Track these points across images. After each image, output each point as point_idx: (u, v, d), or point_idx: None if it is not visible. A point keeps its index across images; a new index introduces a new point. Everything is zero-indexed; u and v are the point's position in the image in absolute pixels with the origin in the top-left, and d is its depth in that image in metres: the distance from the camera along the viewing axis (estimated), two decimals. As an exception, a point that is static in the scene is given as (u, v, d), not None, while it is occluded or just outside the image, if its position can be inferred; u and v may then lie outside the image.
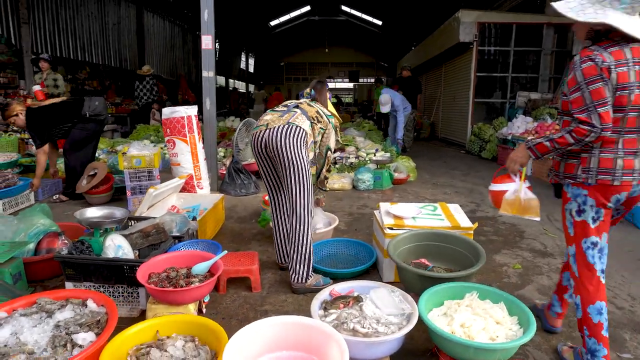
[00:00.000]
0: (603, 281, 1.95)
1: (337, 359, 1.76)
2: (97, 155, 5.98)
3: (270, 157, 2.77)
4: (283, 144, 2.62)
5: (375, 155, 6.46)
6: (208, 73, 4.96)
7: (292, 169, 2.65)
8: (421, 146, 11.20)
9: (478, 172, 7.30)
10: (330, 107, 3.15)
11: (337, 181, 5.73)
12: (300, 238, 2.72)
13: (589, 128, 1.76)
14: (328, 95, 3.16)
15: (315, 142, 2.95)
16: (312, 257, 2.76)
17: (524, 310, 2.06)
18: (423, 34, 15.32)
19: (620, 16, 1.78)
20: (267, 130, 2.70)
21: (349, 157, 6.47)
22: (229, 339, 1.80)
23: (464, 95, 10.72)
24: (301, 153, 2.66)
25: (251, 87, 30.81)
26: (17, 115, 4.55)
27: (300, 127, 2.70)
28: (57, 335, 1.77)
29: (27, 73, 10.78)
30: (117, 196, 4.84)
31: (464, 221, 2.99)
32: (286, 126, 2.67)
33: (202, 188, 4.74)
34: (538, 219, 2.19)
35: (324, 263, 3.17)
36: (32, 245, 2.86)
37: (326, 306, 2.19)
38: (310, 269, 2.77)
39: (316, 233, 3.43)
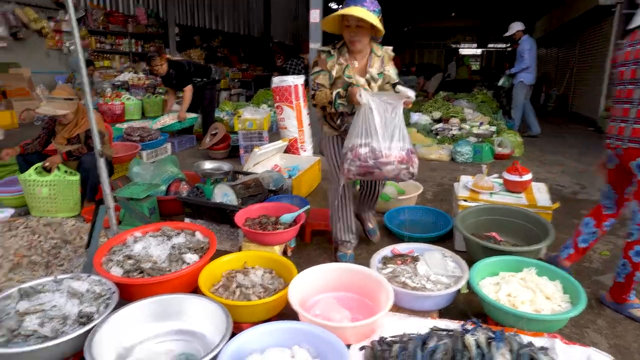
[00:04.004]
0: None
1: (384, 303, 2.08)
2: (222, 117, 6.89)
3: None
4: None
5: (478, 128, 6.31)
6: (315, 45, 5.34)
7: None
8: (544, 120, 10.37)
9: (598, 153, 6.66)
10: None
11: (435, 152, 5.79)
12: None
13: None
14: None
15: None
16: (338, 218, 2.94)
17: (578, 290, 2.12)
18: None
19: None
20: None
21: (451, 129, 6.42)
22: (298, 275, 2.23)
23: (598, 66, 9.58)
24: None
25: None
26: (160, 65, 5.64)
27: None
28: (172, 253, 2.36)
29: (171, 44, 12.35)
30: (233, 153, 5.58)
31: (542, 200, 2.99)
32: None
33: (304, 150, 5.23)
34: None
35: (403, 227, 3.42)
36: (163, 187, 3.60)
37: (385, 261, 2.48)
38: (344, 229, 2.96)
39: (398, 199, 3.68)
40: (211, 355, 1.66)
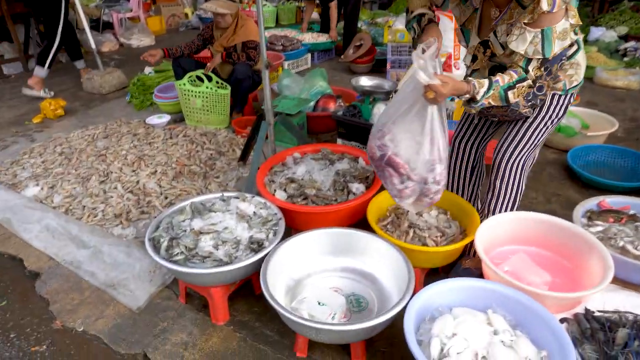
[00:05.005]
0: None
1: (599, 274, 1.65)
2: (359, 25, 6.34)
3: None
4: None
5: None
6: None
7: None
8: None
9: None
10: None
11: (622, 78, 4.69)
12: None
13: None
14: None
15: None
16: None
17: None
18: None
19: None
20: None
21: (645, 48, 5.12)
22: (480, 221, 1.86)
23: None
24: None
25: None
26: None
27: None
28: (337, 180, 2.14)
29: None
30: (377, 68, 5.13)
31: None
32: None
33: (458, 69, 4.57)
34: None
35: (588, 169, 2.80)
36: (312, 103, 3.38)
37: (591, 216, 1.99)
38: None
39: (585, 135, 3.00)
40: (397, 310, 1.43)
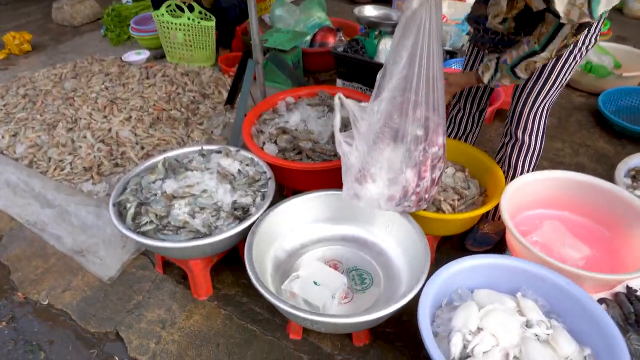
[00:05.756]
0: None
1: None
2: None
3: None
4: None
5: None
6: None
7: None
8: None
9: None
10: None
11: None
12: None
13: None
14: None
15: None
16: None
17: None
18: None
19: None
20: None
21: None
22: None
23: None
24: None
25: None
26: None
27: None
28: (337, 131, 1.82)
29: None
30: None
31: None
32: None
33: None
34: None
35: (621, 115, 2.47)
36: (308, 37, 2.96)
37: (636, 175, 1.70)
38: None
39: (620, 76, 2.64)
40: (410, 297, 1.18)
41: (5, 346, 1.50)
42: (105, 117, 2.44)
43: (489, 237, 1.74)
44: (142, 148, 2.26)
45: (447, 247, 1.76)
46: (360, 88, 2.46)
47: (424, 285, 1.20)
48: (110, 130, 2.34)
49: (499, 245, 1.74)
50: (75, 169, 2.16)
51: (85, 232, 1.86)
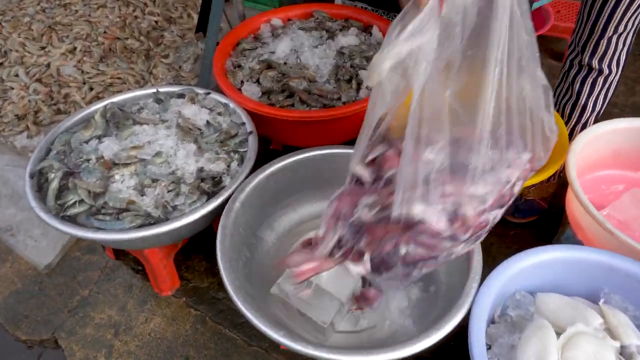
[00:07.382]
0: None
1: None
2: None
3: None
4: None
5: None
6: None
7: None
8: None
9: None
10: None
11: None
12: None
13: None
14: None
15: None
16: None
17: None
18: None
19: None
20: None
21: None
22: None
23: None
24: None
25: None
26: None
27: None
28: (340, 65, 1.35)
29: None
30: None
31: None
32: None
33: None
34: None
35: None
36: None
37: None
38: None
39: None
40: (454, 323, 0.81)
41: None
42: (42, 48, 1.92)
43: (535, 204, 1.36)
44: (91, 89, 1.79)
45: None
46: (367, 7, 1.95)
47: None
48: (49, 65, 1.84)
49: (546, 215, 1.37)
50: (4, 117, 1.70)
51: (15, 204, 1.45)
